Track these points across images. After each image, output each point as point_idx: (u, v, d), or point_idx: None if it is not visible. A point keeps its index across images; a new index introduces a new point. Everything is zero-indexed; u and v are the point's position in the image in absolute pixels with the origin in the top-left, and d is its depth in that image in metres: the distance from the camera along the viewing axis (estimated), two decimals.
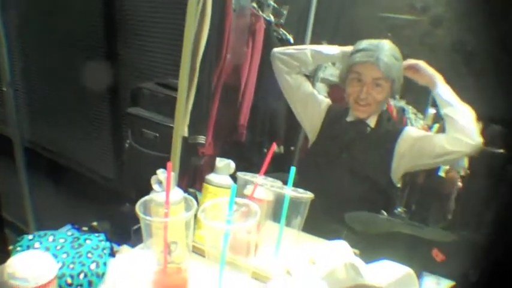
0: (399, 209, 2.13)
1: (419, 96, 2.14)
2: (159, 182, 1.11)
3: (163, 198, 1.06)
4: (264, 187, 1.28)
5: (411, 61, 1.67)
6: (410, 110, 2.61)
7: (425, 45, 1.60)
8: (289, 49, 1.86)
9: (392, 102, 2.26)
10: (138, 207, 1.05)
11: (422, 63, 1.65)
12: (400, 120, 2.44)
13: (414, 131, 1.74)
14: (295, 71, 1.84)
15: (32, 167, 3.28)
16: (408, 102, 2.50)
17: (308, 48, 1.83)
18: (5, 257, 1.12)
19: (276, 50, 1.88)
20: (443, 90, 1.60)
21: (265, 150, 2.28)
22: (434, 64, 1.61)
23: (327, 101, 1.90)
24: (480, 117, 1.57)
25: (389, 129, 1.75)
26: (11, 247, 1.22)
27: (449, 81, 1.62)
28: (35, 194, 3.33)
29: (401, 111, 2.45)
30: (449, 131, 1.57)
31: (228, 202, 1.02)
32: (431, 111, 2.17)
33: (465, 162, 2.28)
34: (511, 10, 1.20)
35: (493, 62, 1.59)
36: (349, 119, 1.77)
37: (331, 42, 2.15)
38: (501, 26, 1.36)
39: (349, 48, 1.75)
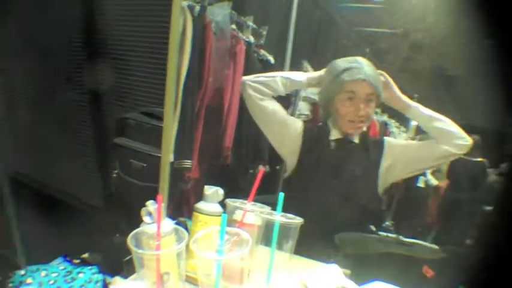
0: (387, 223, 2.14)
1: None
2: (149, 214, 1.12)
3: (154, 230, 1.06)
4: (253, 213, 1.28)
5: (382, 73, 1.73)
6: (393, 124, 2.65)
7: (406, 70, 1.64)
8: (260, 77, 1.84)
9: (375, 116, 2.28)
10: (130, 240, 1.06)
11: (390, 80, 1.73)
12: (383, 135, 2.47)
13: (394, 140, 1.79)
14: (269, 97, 1.82)
15: (19, 198, 3.25)
16: (390, 116, 2.53)
17: (278, 76, 1.82)
18: None
19: (246, 78, 1.86)
20: (422, 108, 1.66)
21: (251, 171, 2.29)
22: (416, 88, 1.64)
23: (301, 123, 1.88)
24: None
25: (370, 144, 1.78)
26: None
27: (430, 102, 1.67)
28: (23, 225, 3.30)
29: (384, 125, 2.49)
30: (445, 139, 1.66)
31: (219, 232, 1.03)
32: (414, 123, 2.21)
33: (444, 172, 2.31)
34: (487, 36, 1.24)
35: (470, 85, 1.63)
36: (333, 137, 1.78)
37: (311, 60, 2.17)
38: (477, 50, 1.40)
39: (315, 74, 1.79)
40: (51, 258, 1.50)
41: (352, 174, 1.73)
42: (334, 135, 1.77)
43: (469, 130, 1.67)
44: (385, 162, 1.73)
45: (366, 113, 1.67)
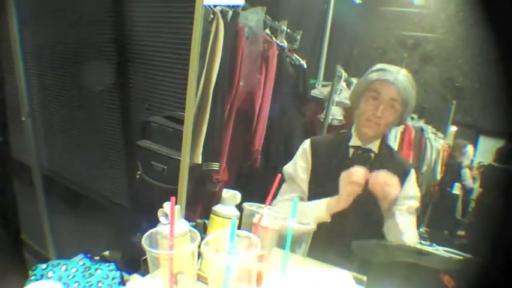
0: (421, 229, 2.12)
1: (439, 114, 2.12)
2: (165, 215, 1.15)
3: (169, 231, 1.10)
4: (268, 217, 1.30)
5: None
6: (429, 130, 2.60)
7: (416, 81, 1.61)
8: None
9: (410, 122, 2.25)
10: (144, 240, 1.09)
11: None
12: (419, 141, 2.43)
13: (413, 180, 1.70)
14: None
15: (50, 194, 3.39)
16: (427, 121, 2.48)
17: None
18: (24, 280, 1.18)
19: None
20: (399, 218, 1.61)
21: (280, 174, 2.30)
22: (426, 100, 1.61)
23: (308, 143, 1.83)
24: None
25: (395, 163, 1.71)
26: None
27: (441, 114, 1.63)
28: (53, 220, 3.44)
29: (420, 131, 2.44)
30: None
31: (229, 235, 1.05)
32: (453, 129, 2.15)
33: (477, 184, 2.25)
34: (496, 48, 1.22)
35: (479, 96, 1.60)
36: (352, 143, 1.72)
37: (346, 66, 2.16)
38: (487, 63, 1.37)
39: None
40: (79, 253, 1.56)
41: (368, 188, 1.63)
42: (354, 141, 1.72)
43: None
44: (404, 191, 1.64)
45: (383, 116, 1.61)
